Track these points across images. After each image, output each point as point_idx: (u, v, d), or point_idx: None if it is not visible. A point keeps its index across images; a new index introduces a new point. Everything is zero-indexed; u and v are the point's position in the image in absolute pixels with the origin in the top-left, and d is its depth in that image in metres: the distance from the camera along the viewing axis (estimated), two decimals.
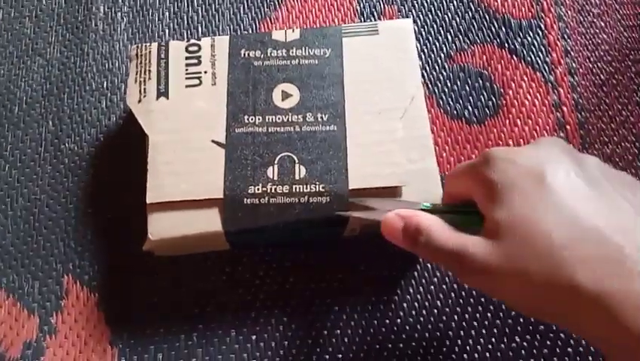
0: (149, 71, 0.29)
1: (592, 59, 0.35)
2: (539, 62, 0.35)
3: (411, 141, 0.28)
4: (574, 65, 0.35)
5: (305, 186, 0.26)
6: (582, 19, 0.36)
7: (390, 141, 0.27)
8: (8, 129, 0.33)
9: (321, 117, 0.28)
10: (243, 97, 0.28)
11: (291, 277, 0.29)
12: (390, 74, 0.29)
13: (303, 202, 0.26)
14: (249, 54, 0.29)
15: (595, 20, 0.36)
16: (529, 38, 0.35)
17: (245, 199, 0.26)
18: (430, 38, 0.35)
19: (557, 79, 0.34)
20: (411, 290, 0.29)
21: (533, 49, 0.35)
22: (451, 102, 0.34)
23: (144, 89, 0.29)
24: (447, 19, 0.36)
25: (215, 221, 0.26)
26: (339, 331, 0.28)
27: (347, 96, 0.28)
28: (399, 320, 0.29)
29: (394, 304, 0.29)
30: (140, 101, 0.28)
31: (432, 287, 0.29)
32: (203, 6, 0.36)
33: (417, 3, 0.36)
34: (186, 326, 0.29)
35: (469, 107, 0.34)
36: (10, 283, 0.29)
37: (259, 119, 0.28)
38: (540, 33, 0.36)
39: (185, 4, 0.36)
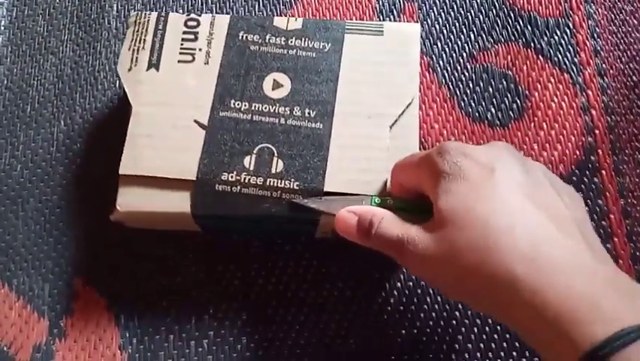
0: (144, 40, 0.28)
1: (623, 60, 0.33)
2: (567, 62, 0.33)
3: (397, 151, 0.26)
4: (604, 65, 0.33)
5: (280, 182, 0.25)
6: (613, 18, 0.34)
7: (375, 147, 0.26)
8: (20, 129, 0.32)
9: (309, 113, 0.27)
10: (233, 80, 0.27)
11: (304, 285, 0.29)
12: (388, 78, 0.28)
13: (276, 197, 0.25)
14: (247, 37, 0.28)
15: (627, 18, 0.34)
16: (556, 37, 0.34)
17: (217, 185, 0.25)
18: (452, 37, 0.34)
19: (586, 80, 0.33)
20: (407, 291, 0.28)
21: (561, 49, 0.33)
22: (473, 104, 0.32)
23: (136, 57, 0.28)
24: (470, 17, 0.34)
25: (184, 202, 0.25)
26: (352, 340, 0.27)
27: (339, 95, 0.27)
28: (395, 321, 0.28)
29: (389, 305, 0.28)
30: (130, 69, 0.28)
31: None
32: (218, 3, 0.35)
33: (438, 0, 0.35)
34: (197, 332, 0.28)
35: (493, 110, 0.32)
36: (20, 285, 0.29)
37: (245, 105, 0.27)
38: (568, 32, 0.34)
39: (200, 2, 0.35)
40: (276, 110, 0.27)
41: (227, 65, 0.28)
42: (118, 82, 0.33)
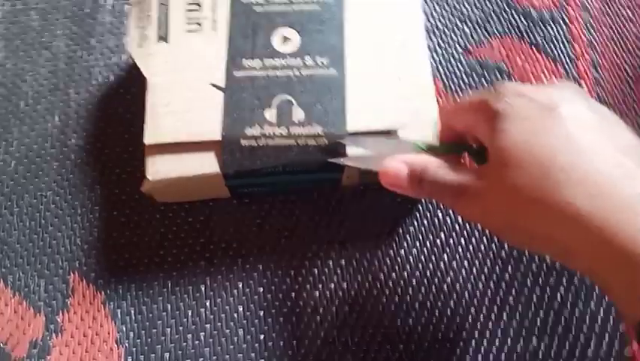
0: (149, 16, 0.29)
1: (617, 52, 0.33)
2: (561, 55, 0.33)
3: (410, 85, 0.27)
4: (598, 58, 0.33)
5: (303, 129, 0.26)
6: (608, 10, 0.34)
7: (389, 84, 0.27)
8: (14, 124, 0.32)
9: (321, 61, 0.27)
10: (242, 41, 0.28)
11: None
12: (392, 19, 0.29)
13: (301, 144, 0.26)
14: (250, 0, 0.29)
15: (621, 11, 0.34)
16: (550, 30, 0.34)
17: (242, 141, 0.26)
18: (447, 31, 0.34)
19: (580, 73, 0.33)
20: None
21: (555, 41, 0.34)
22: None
23: (144, 34, 0.29)
24: (465, 10, 0.34)
25: (213, 163, 0.26)
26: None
27: (347, 40, 0.28)
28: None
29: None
30: (140, 45, 0.28)
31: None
32: None
33: None
34: (194, 325, 0.28)
35: None
36: (16, 281, 0.29)
37: (258, 62, 0.27)
38: (563, 24, 0.34)
39: None
40: (289, 63, 0.27)
41: (235, 28, 0.28)
42: (112, 77, 0.33)
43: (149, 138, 0.26)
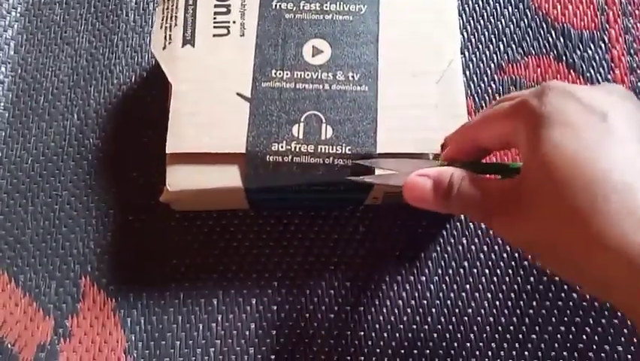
0: (176, 17, 0.28)
1: None
2: (600, 79, 0.32)
3: (445, 108, 0.26)
4: (639, 84, 0.32)
5: (331, 147, 0.25)
6: None
7: (424, 105, 0.26)
8: (33, 120, 0.31)
9: (353, 76, 0.26)
10: (271, 50, 0.27)
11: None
12: (428, 36, 0.27)
13: (328, 164, 0.25)
14: (280, 6, 0.28)
15: None
16: (589, 52, 0.32)
17: (267, 157, 0.25)
18: (480, 46, 0.33)
19: None
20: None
21: (594, 64, 0.32)
22: None
23: (169, 35, 0.28)
24: (500, 26, 0.33)
25: (235, 177, 0.25)
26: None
27: (381, 56, 0.27)
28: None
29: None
30: (164, 47, 0.27)
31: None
32: None
33: (468, 7, 0.34)
34: (204, 340, 0.27)
35: None
36: (27, 281, 0.29)
37: (287, 74, 0.26)
38: (603, 47, 0.32)
39: None
40: (319, 77, 0.26)
41: (264, 36, 0.27)
42: (134, 77, 0.32)
43: (171, 147, 0.25)
